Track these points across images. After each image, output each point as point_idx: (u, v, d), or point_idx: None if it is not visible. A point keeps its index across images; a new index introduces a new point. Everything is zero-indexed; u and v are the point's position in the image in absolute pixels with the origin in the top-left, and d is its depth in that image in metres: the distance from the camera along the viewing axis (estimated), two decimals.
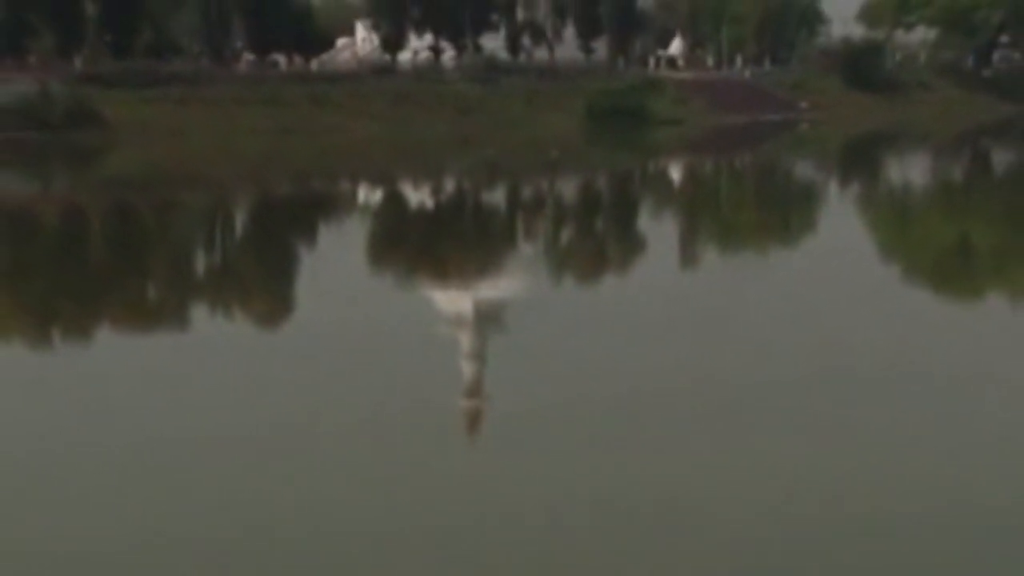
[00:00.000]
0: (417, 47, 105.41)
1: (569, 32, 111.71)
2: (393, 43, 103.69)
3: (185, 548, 12.87)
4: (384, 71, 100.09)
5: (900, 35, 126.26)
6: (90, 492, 14.60)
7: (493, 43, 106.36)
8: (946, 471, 15.03)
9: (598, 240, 41.82)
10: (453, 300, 29.17)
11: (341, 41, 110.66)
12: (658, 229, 44.69)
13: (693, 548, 12.79)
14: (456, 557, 12.66)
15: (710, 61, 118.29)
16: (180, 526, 13.48)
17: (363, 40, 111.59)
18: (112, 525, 13.56)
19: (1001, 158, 77.41)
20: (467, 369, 21.24)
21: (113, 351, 23.53)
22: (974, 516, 13.45)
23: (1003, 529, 13.07)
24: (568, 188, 59.47)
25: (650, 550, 12.67)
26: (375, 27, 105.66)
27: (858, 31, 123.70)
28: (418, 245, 39.96)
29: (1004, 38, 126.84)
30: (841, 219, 46.61)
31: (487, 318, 26.29)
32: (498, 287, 31.46)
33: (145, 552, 12.78)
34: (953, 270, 34.21)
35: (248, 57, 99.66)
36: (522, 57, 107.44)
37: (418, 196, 56.69)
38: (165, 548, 12.88)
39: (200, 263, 37.89)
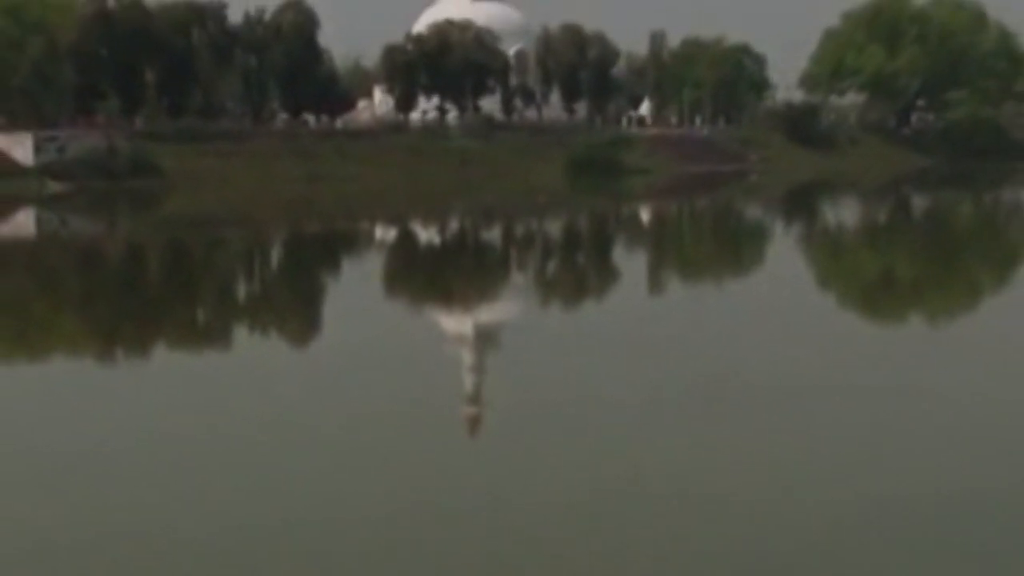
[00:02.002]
0: (426, 108, 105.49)
1: (555, 95, 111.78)
2: (405, 104, 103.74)
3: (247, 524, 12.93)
4: (397, 128, 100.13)
5: (834, 99, 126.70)
6: (171, 472, 14.65)
7: (490, 104, 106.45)
8: (853, 464, 15.15)
9: (580, 271, 41.75)
10: (456, 322, 29.23)
11: (361, 103, 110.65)
12: (631, 261, 44.72)
13: (657, 526, 12.90)
14: (454, 530, 12.75)
15: (674, 120, 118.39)
16: (234, 503, 13.55)
17: (380, 102, 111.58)
18: (192, 500, 13.62)
19: (918, 202, 77.61)
20: (468, 380, 21.33)
21: (171, 363, 23.56)
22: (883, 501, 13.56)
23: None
24: (554, 227, 59.48)
25: (617, 526, 12.77)
26: (390, 91, 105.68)
27: (798, 95, 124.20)
28: (427, 275, 39.93)
29: (920, 102, 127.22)
30: (785, 253, 46.69)
31: (485, 338, 26.36)
32: (495, 311, 31.52)
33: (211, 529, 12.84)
34: (878, 296, 34.31)
35: (282, 116, 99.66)
36: (515, 116, 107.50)
37: (427, 234, 56.65)
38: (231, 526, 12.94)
39: (243, 289, 37.90)
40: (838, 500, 13.63)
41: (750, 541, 12.40)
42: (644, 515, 13.21)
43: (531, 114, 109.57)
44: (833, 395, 18.94)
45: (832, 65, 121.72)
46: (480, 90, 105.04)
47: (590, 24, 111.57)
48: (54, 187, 73.42)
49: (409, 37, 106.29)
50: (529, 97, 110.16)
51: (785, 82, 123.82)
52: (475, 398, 19.63)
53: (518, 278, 39.56)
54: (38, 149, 76.83)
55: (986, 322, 28.55)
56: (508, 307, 31.98)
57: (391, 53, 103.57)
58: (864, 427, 16.91)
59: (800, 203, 77.25)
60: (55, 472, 15.03)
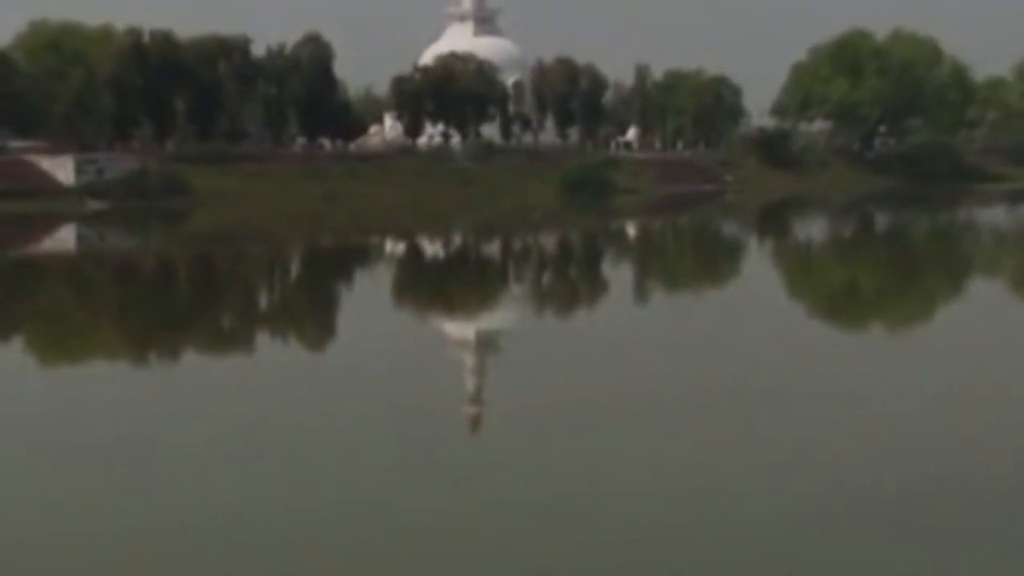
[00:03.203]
0: (431, 133, 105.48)
1: (549, 122, 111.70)
2: (413, 130, 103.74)
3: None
4: (406, 152, 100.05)
5: (803, 125, 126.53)
6: (202, 460, 14.75)
7: (490, 130, 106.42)
8: (819, 459, 15.25)
9: (572, 281, 41.78)
10: (459, 328, 29.31)
11: (373, 128, 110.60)
12: (618, 272, 44.81)
13: (644, 512, 12.98)
14: (455, 516, 12.83)
15: (658, 144, 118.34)
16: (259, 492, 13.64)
17: (390, 127, 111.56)
18: (219, 484, 13.72)
19: (880, 220, 77.72)
20: (470, 382, 21.40)
21: (200, 365, 23.64)
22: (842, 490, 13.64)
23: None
24: (549, 242, 59.59)
25: (602, 516, 12.83)
26: (399, 117, 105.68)
27: (771, 122, 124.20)
28: (432, 284, 39.98)
29: (882, 129, 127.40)
30: (759, 265, 46.84)
31: (486, 343, 26.43)
32: (494, 318, 31.59)
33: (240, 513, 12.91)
34: (844, 304, 34.42)
35: (301, 140, 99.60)
36: (513, 141, 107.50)
37: (432, 248, 56.72)
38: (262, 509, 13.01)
39: (265, 297, 37.94)
40: (807, 490, 13.70)
41: (724, 530, 12.47)
42: (627, 503, 13.28)
43: (528, 139, 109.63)
44: (800, 396, 19.02)
45: (801, 95, 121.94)
46: (481, 117, 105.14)
47: (581, 57, 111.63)
48: (93, 205, 73.49)
49: (416, 68, 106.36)
50: (526, 123, 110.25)
51: (759, 110, 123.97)
52: (476, 398, 19.71)
53: (516, 288, 39.57)
54: (79, 171, 76.88)
55: (941, 326, 28.68)
56: (506, 315, 32.06)
57: (400, 83, 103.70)
58: (827, 425, 17.00)
59: (773, 220, 77.39)
60: (101, 462, 15.09)
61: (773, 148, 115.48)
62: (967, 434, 16.41)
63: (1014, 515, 12.80)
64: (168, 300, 36.14)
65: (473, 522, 12.76)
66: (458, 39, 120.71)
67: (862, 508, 12.81)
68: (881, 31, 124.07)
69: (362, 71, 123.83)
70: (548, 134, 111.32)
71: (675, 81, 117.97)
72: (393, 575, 11.31)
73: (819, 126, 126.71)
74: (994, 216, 76.48)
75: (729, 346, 24.37)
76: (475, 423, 17.83)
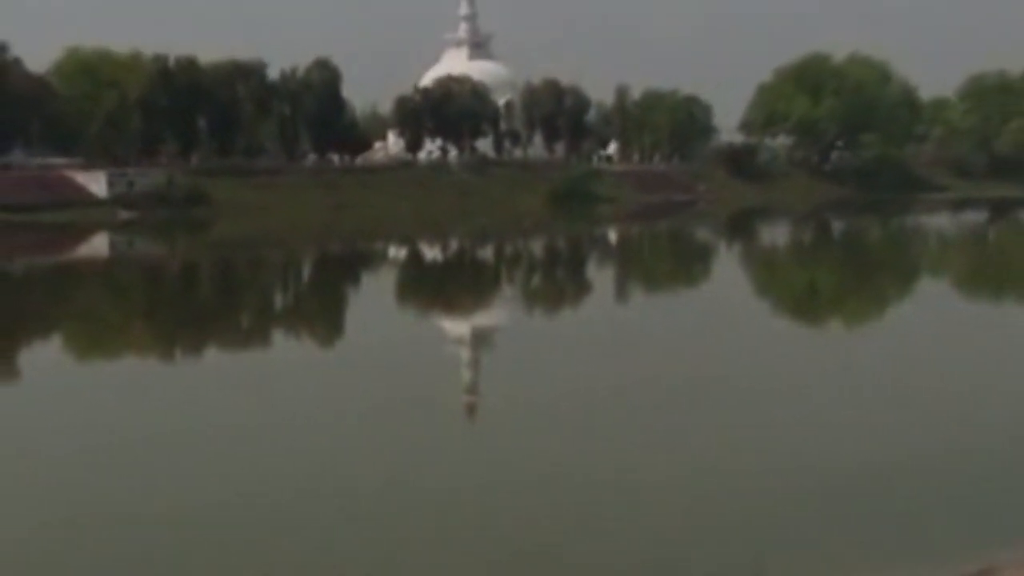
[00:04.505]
0: (430, 148, 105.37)
1: (537, 137, 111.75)
2: (414, 145, 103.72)
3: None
4: (407, 165, 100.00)
5: (768, 140, 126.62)
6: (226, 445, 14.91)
7: (484, 145, 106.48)
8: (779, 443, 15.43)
9: (559, 282, 41.91)
10: (456, 325, 29.43)
11: (377, 144, 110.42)
12: (601, 274, 44.94)
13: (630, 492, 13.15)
14: (450, 496, 13.00)
15: (636, 157, 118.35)
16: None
17: (393, 143, 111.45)
18: (243, 470, 13.89)
19: (836, 225, 77.94)
20: (466, 375, 21.56)
21: (223, 360, 23.77)
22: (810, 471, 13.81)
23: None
24: (538, 246, 59.72)
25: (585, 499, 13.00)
26: (401, 134, 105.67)
27: (738, 137, 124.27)
28: (432, 285, 40.07)
29: (839, 143, 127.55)
30: (729, 265, 47.05)
31: (481, 339, 26.58)
32: (488, 316, 31.71)
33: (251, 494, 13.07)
34: (805, 302, 34.60)
35: (312, 155, 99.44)
36: (504, 155, 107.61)
37: (432, 252, 56.76)
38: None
39: (280, 296, 38.05)
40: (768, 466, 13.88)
41: (687, 508, 12.67)
42: (604, 478, 13.46)
43: (518, 153, 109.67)
44: (764, 383, 19.21)
45: (766, 113, 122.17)
46: (476, 133, 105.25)
47: (566, 78, 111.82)
48: (123, 215, 73.37)
49: (416, 90, 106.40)
50: (516, 139, 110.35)
51: (727, 126, 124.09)
52: (471, 389, 19.90)
53: (507, 288, 39.70)
54: (111, 184, 76.77)
55: (888, 318, 28.89)
56: (499, 313, 32.17)
57: (402, 103, 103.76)
58: (789, 408, 17.19)
59: (741, 226, 77.53)
60: (135, 445, 15.25)
61: (740, 161, 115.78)
62: (912, 416, 16.61)
63: (949, 488, 13.00)
64: (196, 299, 36.26)
65: (467, 490, 12.96)
66: (454, 63, 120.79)
67: (812, 485, 13.02)
68: (838, 55, 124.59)
69: (367, 92, 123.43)
70: (536, 148, 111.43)
71: (652, 100, 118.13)
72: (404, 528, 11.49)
73: (782, 141, 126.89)
74: (939, 222, 76.88)
75: (702, 338, 24.58)
76: (471, 409, 18.03)
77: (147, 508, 12.38)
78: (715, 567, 10.59)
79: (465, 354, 23.85)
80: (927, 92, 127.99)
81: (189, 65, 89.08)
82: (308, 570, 10.63)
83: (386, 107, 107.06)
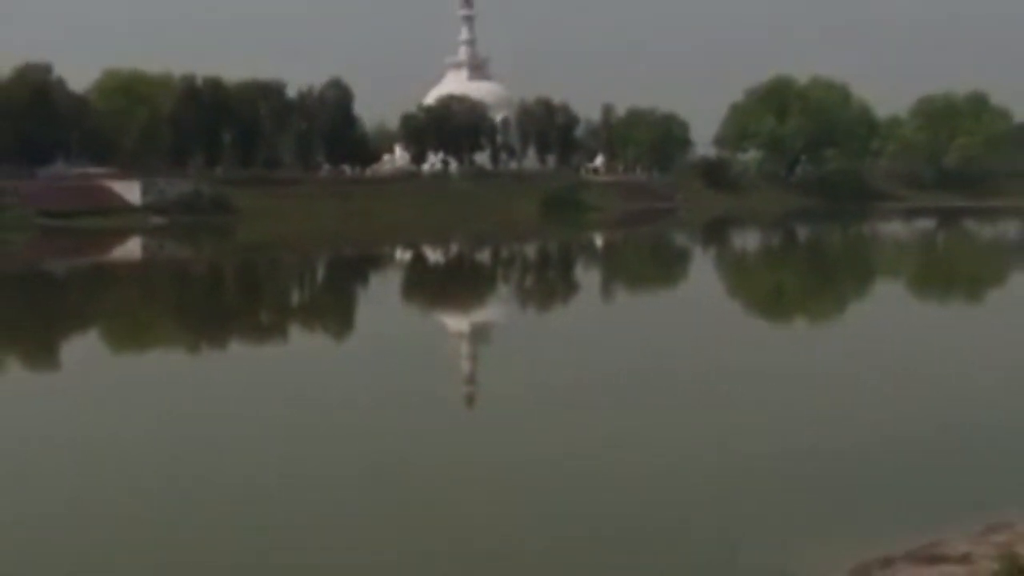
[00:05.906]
0: (433, 160, 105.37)
1: (531, 151, 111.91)
2: (418, 158, 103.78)
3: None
4: (412, 176, 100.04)
5: (739, 155, 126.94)
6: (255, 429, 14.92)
7: (482, 158, 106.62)
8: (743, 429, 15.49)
9: (551, 282, 41.97)
10: (455, 321, 29.50)
11: (385, 156, 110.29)
12: (588, 275, 45.01)
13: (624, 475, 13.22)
14: (447, 477, 13.06)
15: (620, 169, 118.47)
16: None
17: (399, 156, 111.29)
18: (262, 455, 13.92)
19: (801, 232, 78.06)
20: (465, 366, 21.63)
21: (246, 352, 23.83)
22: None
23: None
24: (531, 250, 59.75)
25: (583, 477, 13.08)
26: (407, 148, 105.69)
27: (713, 151, 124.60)
28: (434, 284, 40.12)
29: (803, 157, 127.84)
30: (705, 266, 47.12)
31: (479, 333, 26.65)
32: (486, 313, 31.77)
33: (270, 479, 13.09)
34: (773, 301, 34.72)
35: (326, 167, 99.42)
36: (500, 167, 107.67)
37: (434, 255, 56.81)
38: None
39: (297, 294, 38.09)
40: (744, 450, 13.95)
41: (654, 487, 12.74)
42: (590, 458, 13.52)
43: (513, 165, 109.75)
44: (736, 374, 19.28)
45: (737, 129, 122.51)
46: (474, 147, 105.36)
47: (557, 97, 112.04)
48: (155, 221, 73.29)
49: (421, 107, 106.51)
50: (511, 152, 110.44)
51: (703, 141, 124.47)
52: (470, 379, 19.97)
53: (503, 287, 39.77)
54: (144, 192, 76.79)
55: (850, 315, 29.01)
56: (496, 310, 32.23)
57: (407, 120, 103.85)
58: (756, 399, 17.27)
59: (716, 231, 77.66)
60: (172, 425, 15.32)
61: (715, 173, 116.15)
62: (868, 399, 16.69)
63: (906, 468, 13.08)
64: (222, 296, 36.31)
65: (459, 467, 13.03)
66: (455, 83, 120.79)
67: (776, 464, 13.10)
68: (802, 77, 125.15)
69: (376, 109, 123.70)
70: (530, 161, 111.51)
71: (635, 117, 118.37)
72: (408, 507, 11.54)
73: (752, 155, 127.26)
74: (893, 229, 77.19)
75: (681, 332, 24.68)
76: (469, 398, 18.10)
77: (184, 474, 12.46)
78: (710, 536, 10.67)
79: (464, 349, 23.91)
80: (883, 111, 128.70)
81: (215, 84, 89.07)
82: (325, 536, 10.69)
83: (393, 123, 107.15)
